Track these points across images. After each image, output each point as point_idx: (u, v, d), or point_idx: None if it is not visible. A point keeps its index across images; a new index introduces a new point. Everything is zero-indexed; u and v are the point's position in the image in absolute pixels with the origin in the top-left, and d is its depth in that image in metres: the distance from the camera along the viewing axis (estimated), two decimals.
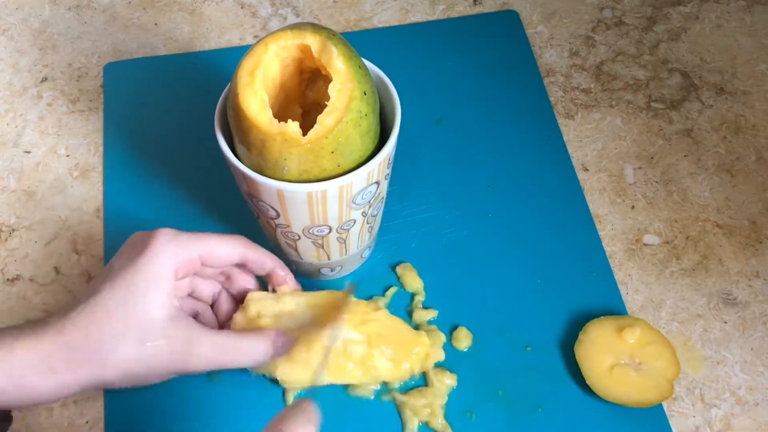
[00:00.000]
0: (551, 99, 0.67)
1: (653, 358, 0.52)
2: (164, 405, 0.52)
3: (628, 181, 0.63)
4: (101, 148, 0.64)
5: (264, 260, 0.50)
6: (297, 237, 0.51)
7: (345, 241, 0.52)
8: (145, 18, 0.72)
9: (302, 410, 0.41)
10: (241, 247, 0.49)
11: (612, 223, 0.60)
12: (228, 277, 0.52)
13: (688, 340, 0.55)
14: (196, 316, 0.52)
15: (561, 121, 0.65)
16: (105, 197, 0.61)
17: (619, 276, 0.58)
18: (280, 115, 0.50)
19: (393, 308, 0.56)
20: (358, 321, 0.50)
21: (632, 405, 0.51)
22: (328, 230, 0.50)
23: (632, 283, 0.58)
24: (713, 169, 0.63)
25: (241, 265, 0.51)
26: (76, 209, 0.61)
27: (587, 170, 0.63)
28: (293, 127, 0.45)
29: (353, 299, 0.51)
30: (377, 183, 0.49)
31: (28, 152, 0.64)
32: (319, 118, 0.45)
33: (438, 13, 0.72)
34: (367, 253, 0.57)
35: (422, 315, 0.55)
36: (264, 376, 0.52)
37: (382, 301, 0.56)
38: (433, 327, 0.55)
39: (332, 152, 0.45)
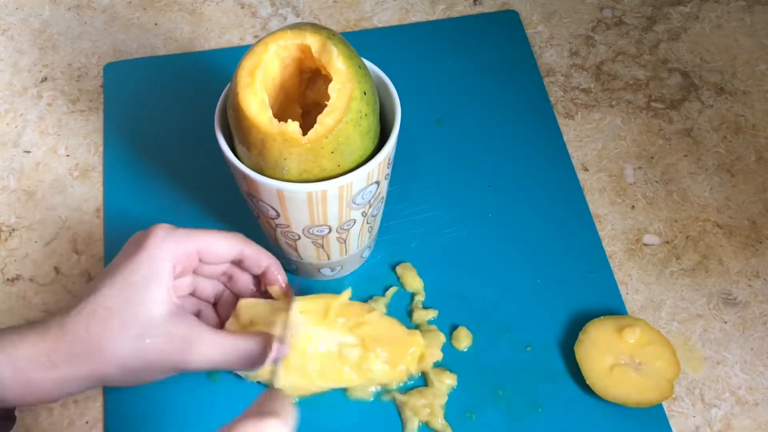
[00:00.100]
0: (551, 99, 0.67)
1: (653, 358, 0.52)
2: (164, 405, 0.52)
3: (628, 181, 0.63)
4: (101, 148, 0.64)
5: (260, 258, 0.50)
6: (297, 237, 0.51)
7: (345, 241, 0.52)
8: (145, 18, 0.72)
9: (279, 397, 0.41)
10: (238, 244, 0.49)
11: (612, 223, 0.60)
12: (230, 277, 0.52)
13: (688, 340, 0.55)
14: (198, 315, 0.52)
15: (561, 121, 0.65)
16: (105, 197, 0.61)
17: (619, 276, 0.58)
18: (280, 115, 0.50)
19: (393, 308, 0.56)
20: (353, 324, 0.50)
21: (632, 405, 0.51)
22: (328, 230, 0.50)
23: (632, 283, 0.58)
24: (713, 169, 0.63)
25: (239, 263, 0.51)
26: (76, 209, 0.61)
27: (587, 170, 0.63)
28: (293, 127, 0.45)
29: (346, 301, 0.51)
30: (377, 183, 0.49)
31: (28, 152, 0.64)
32: (319, 118, 0.45)
33: (438, 13, 0.72)
34: (367, 253, 0.57)
35: (422, 315, 0.55)
36: (258, 383, 0.52)
37: (382, 301, 0.56)
38: (433, 327, 0.55)
39: (332, 152, 0.45)
